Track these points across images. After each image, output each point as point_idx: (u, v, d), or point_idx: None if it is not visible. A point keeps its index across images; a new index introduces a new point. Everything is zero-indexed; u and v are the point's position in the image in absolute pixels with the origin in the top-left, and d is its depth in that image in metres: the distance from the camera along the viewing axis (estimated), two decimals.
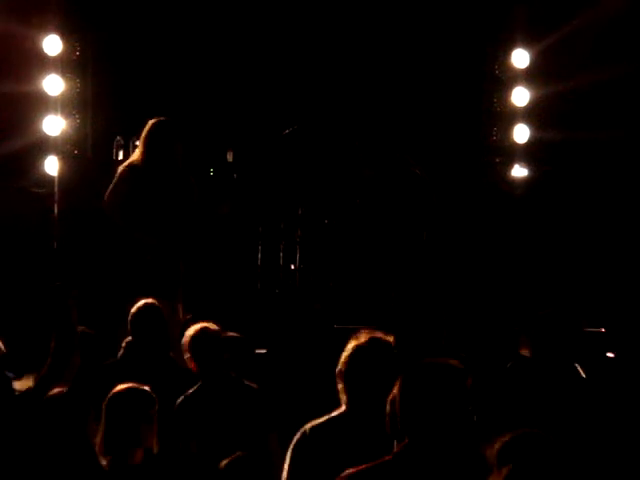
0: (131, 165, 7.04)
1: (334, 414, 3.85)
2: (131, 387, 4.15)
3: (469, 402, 3.15)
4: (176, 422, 4.74)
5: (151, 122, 7.03)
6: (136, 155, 7.07)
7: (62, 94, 9.66)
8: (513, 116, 10.32)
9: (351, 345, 3.82)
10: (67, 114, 9.70)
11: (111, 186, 7.02)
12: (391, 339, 3.84)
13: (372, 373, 3.75)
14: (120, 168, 7.08)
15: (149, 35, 10.24)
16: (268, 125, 10.46)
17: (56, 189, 8.92)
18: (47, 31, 9.61)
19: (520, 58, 10.23)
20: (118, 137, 9.07)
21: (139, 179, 6.94)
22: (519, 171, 9.39)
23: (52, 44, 9.62)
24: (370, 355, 3.78)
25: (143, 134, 7.04)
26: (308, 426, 3.83)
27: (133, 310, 5.77)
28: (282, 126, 9.44)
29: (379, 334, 3.85)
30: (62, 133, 9.66)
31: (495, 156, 9.94)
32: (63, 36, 9.64)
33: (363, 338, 3.82)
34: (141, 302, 5.83)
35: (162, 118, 7.08)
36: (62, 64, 9.67)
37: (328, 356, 4.16)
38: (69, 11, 9.79)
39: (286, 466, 3.78)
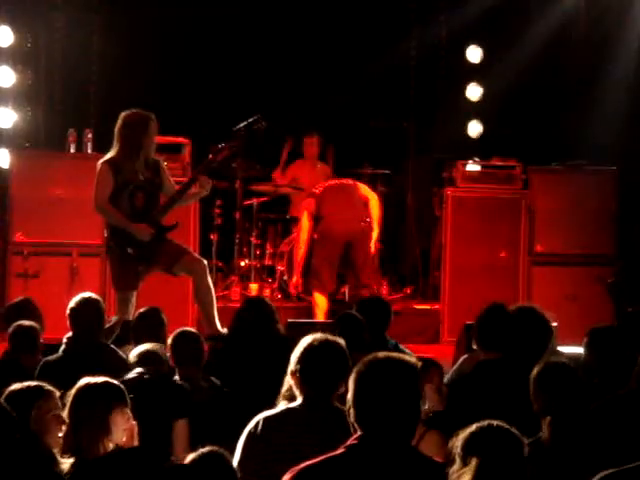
0: (109, 161, 7.04)
1: (290, 406, 3.88)
2: (105, 380, 4.12)
3: (421, 396, 3.18)
4: None
5: (122, 115, 7.07)
6: (113, 150, 7.09)
7: (14, 86, 9.58)
8: (466, 111, 10.42)
9: (305, 345, 3.87)
10: (19, 106, 9.62)
11: (96, 187, 7.02)
12: (341, 340, 3.93)
13: (326, 372, 3.81)
14: (98, 166, 7.07)
15: (101, 27, 10.18)
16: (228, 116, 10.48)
17: (9, 182, 8.83)
18: None
19: (473, 54, 10.33)
20: (71, 129, 8.99)
21: (119, 173, 6.98)
22: (472, 166, 9.44)
23: (3, 35, 9.52)
24: (324, 355, 3.84)
25: (117, 128, 7.07)
26: (262, 416, 3.86)
27: (71, 304, 5.74)
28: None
29: (330, 335, 3.93)
30: (14, 125, 9.58)
31: (449, 151, 10.00)
32: (14, 27, 9.55)
33: (317, 338, 3.88)
34: (79, 296, 5.82)
35: (133, 110, 7.11)
36: (13, 56, 9.58)
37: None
38: (20, 2, 9.71)
39: (237, 454, 3.80)
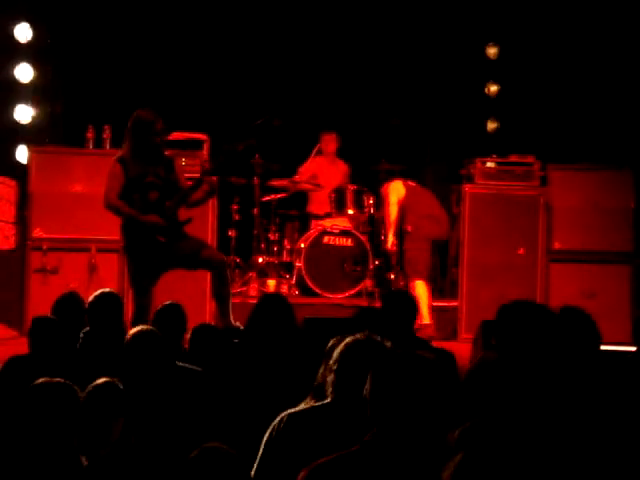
0: (119, 159, 7.08)
1: (317, 404, 3.84)
2: (105, 382, 4.14)
3: (440, 393, 3.15)
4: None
5: (134, 114, 7.12)
6: (123, 148, 7.13)
7: (32, 82, 9.61)
8: (484, 108, 10.41)
9: (346, 342, 3.80)
10: (38, 102, 9.66)
11: (107, 184, 7.07)
12: (388, 343, 3.83)
13: (364, 371, 3.76)
14: (111, 164, 7.12)
15: (121, 23, 10.20)
16: (247, 112, 10.51)
17: (28, 178, 8.87)
18: (18, 19, 9.55)
19: (491, 51, 10.32)
20: (89, 125, 9.02)
21: (130, 170, 7.02)
22: (490, 163, 9.42)
23: (22, 32, 9.56)
24: (366, 353, 3.74)
25: (127, 127, 7.11)
26: (286, 413, 3.83)
27: (90, 299, 5.77)
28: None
29: (375, 335, 3.84)
30: (32, 121, 9.62)
31: (467, 148, 9.99)
32: (34, 24, 9.58)
33: (359, 336, 3.80)
34: (98, 291, 5.85)
35: (143, 109, 7.14)
36: (32, 52, 9.62)
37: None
38: None
39: (260, 451, 3.78)
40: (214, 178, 7.31)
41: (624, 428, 3.90)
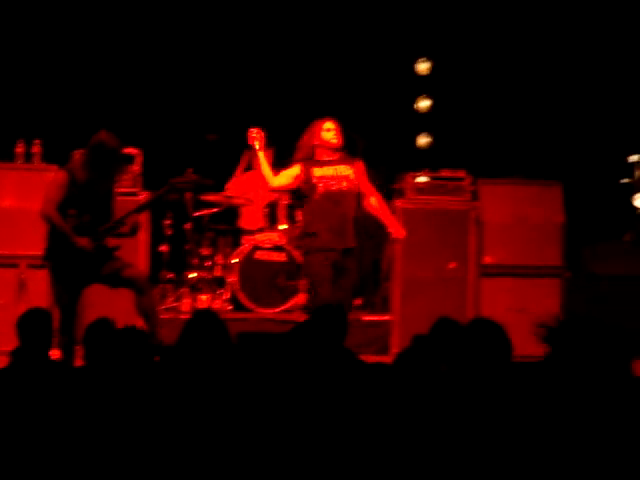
0: (70, 171, 7.01)
1: None
2: None
3: None
4: None
5: (103, 135, 7.04)
6: (78, 162, 7.06)
7: None
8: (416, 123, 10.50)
9: None
10: None
11: (48, 192, 7.00)
12: None
13: None
14: (58, 172, 7.06)
15: (50, 34, 10.13)
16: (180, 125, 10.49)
17: None
18: None
19: (422, 67, 10.43)
20: (19, 140, 8.92)
21: (75, 185, 6.95)
22: (421, 178, 9.49)
23: None
24: None
25: (92, 145, 7.02)
26: None
27: (20, 316, 5.71)
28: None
29: None
30: None
31: (399, 163, 10.06)
32: None
33: None
34: (29, 308, 5.80)
35: (109, 133, 7.08)
36: None
37: None
38: None
39: None
40: (139, 217, 7.34)
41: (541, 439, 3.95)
